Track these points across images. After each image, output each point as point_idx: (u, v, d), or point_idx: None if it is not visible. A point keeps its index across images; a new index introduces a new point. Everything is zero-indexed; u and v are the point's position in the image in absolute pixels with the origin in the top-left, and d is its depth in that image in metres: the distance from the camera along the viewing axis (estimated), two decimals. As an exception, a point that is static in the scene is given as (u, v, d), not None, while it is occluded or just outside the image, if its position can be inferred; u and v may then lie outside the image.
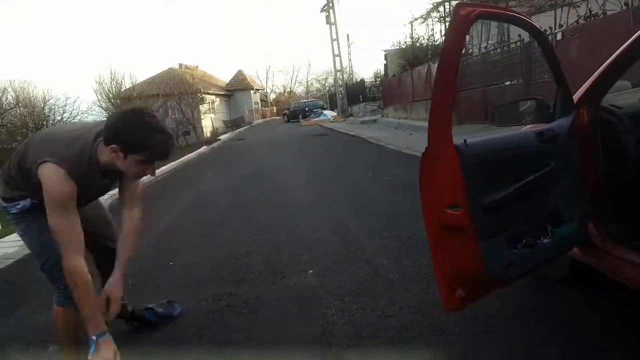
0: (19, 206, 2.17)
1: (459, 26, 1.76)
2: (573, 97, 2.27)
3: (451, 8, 15.19)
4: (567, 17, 11.03)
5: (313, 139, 16.91)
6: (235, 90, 45.49)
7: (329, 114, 31.21)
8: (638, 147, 2.19)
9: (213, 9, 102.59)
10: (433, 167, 1.82)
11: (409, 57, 19.70)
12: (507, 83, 11.19)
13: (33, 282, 3.91)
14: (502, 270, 1.92)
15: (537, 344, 2.22)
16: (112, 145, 1.93)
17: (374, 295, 2.98)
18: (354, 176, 7.85)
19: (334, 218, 5.09)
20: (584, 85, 2.26)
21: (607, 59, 2.15)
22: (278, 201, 6.41)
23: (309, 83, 64.45)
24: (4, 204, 2.21)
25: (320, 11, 32.93)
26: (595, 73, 2.20)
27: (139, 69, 73.62)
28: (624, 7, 8.95)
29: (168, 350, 2.58)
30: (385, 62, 28.27)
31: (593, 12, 9.74)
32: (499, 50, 12.39)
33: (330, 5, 31.72)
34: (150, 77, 29.76)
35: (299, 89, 65.80)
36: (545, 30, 10.82)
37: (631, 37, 2.05)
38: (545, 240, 2.07)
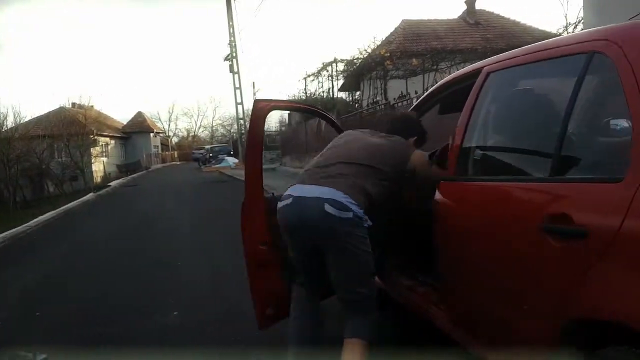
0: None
1: (258, 114, 2.47)
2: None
3: (337, 68, 16.72)
4: (434, 82, 12.77)
5: (209, 186, 17.11)
6: (133, 132, 43.99)
7: (231, 160, 31.38)
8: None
9: (116, 46, 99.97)
10: (249, 213, 2.45)
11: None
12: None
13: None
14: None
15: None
16: (414, 137, 2.42)
17: (221, 325, 3.50)
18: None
19: (211, 263, 5.46)
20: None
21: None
22: (159, 249, 6.61)
23: (214, 128, 64.44)
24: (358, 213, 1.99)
25: (224, 60, 33.56)
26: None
27: (26, 106, 68.28)
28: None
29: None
30: (288, 111, 29.30)
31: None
32: (380, 107, 13.78)
33: (234, 55, 32.56)
34: (37, 117, 28.00)
35: (204, 134, 65.50)
36: (405, 95, 12.37)
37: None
38: None
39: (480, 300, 1.88)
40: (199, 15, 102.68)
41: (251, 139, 2.51)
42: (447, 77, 2.46)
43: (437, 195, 2.11)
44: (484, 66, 2.06)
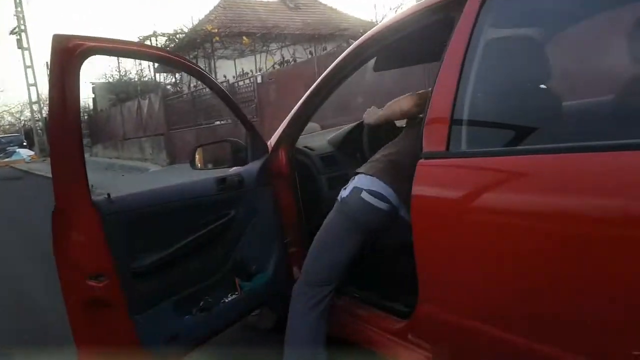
0: None
1: (66, 62, 1.35)
2: (271, 139, 2.18)
3: (157, 42, 14.91)
4: (266, 62, 12.20)
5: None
6: None
7: (25, 153, 26.75)
8: (329, 186, 2.21)
9: None
10: (67, 228, 1.45)
11: (119, 92, 18.51)
12: (217, 123, 11.31)
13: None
14: (167, 344, 1.64)
15: None
16: None
17: None
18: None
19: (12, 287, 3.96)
20: (279, 127, 2.18)
21: (298, 101, 2.13)
22: None
23: (-2, 116, 53.73)
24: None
25: (10, 33, 27.83)
26: (287, 117, 2.14)
27: None
28: (309, 56, 10.38)
29: None
30: (93, 95, 25.91)
31: (286, 59, 11.01)
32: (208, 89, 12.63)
33: (22, 28, 27.19)
34: None
35: (-17, 124, 54.27)
36: (247, 73, 11.59)
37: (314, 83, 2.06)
38: (232, 297, 1.87)
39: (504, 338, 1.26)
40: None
41: (58, 107, 1.36)
42: (393, 17, 1.72)
43: (418, 182, 1.41)
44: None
